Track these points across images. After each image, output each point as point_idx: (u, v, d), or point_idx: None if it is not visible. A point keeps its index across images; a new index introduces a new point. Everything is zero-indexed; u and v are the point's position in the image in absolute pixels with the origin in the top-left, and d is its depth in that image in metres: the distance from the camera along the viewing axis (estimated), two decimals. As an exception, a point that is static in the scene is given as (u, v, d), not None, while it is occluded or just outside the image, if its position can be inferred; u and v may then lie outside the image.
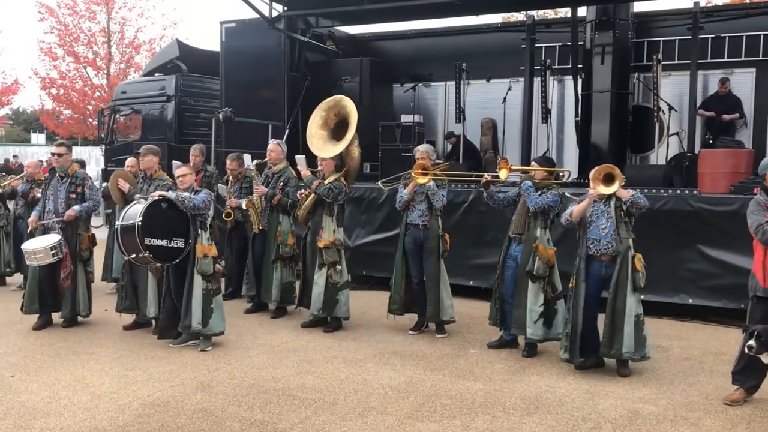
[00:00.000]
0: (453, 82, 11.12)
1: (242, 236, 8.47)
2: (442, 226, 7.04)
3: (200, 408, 4.97)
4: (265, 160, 8.03)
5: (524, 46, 10.51)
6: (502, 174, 6.39)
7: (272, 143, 8.06)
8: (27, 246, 6.99)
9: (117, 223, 6.50)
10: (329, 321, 7.25)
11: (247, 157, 8.55)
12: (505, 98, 10.75)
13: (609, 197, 5.77)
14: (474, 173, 7.39)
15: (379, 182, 8.04)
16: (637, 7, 10.36)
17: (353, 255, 8.79)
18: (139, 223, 6.18)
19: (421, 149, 7.11)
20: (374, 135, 10.39)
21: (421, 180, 6.79)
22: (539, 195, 6.28)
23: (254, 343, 6.75)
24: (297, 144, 10.64)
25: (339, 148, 7.28)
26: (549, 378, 5.74)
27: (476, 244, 8.59)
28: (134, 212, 6.34)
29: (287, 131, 10.71)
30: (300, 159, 7.50)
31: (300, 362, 6.10)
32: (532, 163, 6.67)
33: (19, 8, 61.78)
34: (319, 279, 7.12)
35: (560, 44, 11.05)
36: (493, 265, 6.93)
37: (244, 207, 7.92)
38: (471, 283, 8.63)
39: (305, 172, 7.32)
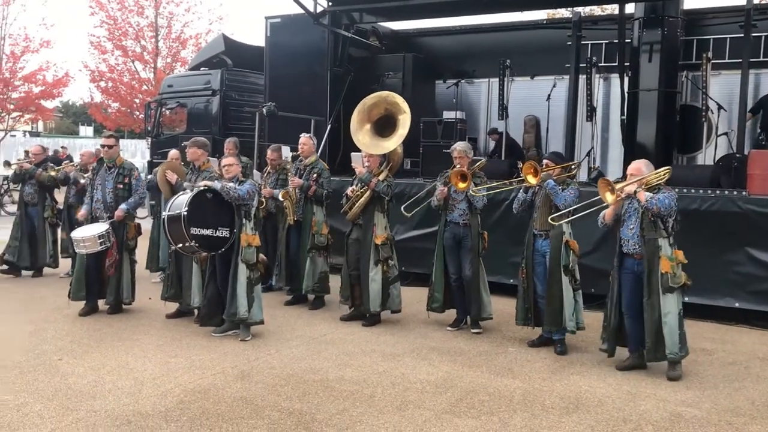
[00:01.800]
0: (496, 79, 11.06)
1: (274, 227, 8.55)
2: (481, 223, 7.01)
3: (240, 396, 5.04)
4: (298, 153, 8.12)
5: (570, 43, 10.39)
6: (532, 180, 6.35)
7: (304, 137, 8.16)
8: (76, 234, 7.18)
9: (164, 213, 6.62)
10: (367, 315, 7.27)
11: (285, 149, 8.63)
12: (549, 95, 10.65)
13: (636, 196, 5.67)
14: (514, 180, 7.33)
15: (402, 208, 7.88)
16: (687, 4, 10.15)
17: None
18: (185, 213, 6.30)
19: (458, 148, 7.05)
20: (415, 131, 10.35)
21: (461, 186, 6.78)
22: (563, 191, 6.29)
23: (293, 334, 6.82)
24: (339, 139, 10.71)
25: (392, 144, 7.30)
26: (589, 378, 5.68)
27: (517, 242, 8.49)
28: (180, 202, 6.46)
29: (329, 126, 10.78)
30: (356, 156, 7.53)
31: (338, 354, 6.14)
32: (546, 161, 6.60)
33: (71, 3, 63.26)
34: (376, 276, 7.14)
35: (606, 41, 10.88)
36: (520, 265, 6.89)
37: (280, 198, 8.01)
38: (511, 281, 8.54)
39: (361, 169, 7.32)
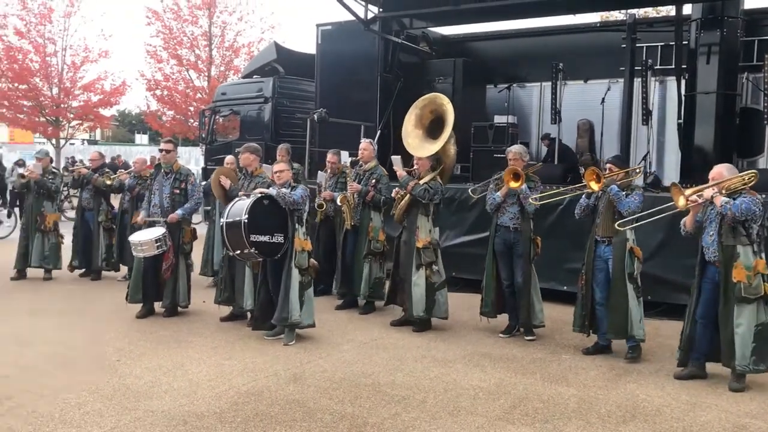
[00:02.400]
0: (549, 83, 10.93)
1: (330, 232, 8.59)
2: (534, 229, 6.92)
3: (293, 399, 5.07)
4: (357, 158, 8.17)
5: (624, 45, 10.20)
6: (595, 186, 6.23)
7: (364, 142, 8.22)
8: (134, 238, 7.36)
9: (222, 220, 6.67)
10: (418, 321, 7.24)
11: (344, 154, 8.69)
12: (603, 99, 10.48)
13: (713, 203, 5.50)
14: (574, 186, 7.20)
15: (469, 190, 7.98)
16: (748, 4, 9.86)
17: (443, 256, 8.77)
18: (245, 220, 6.35)
19: (513, 150, 7.00)
20: (466, 136, 10.33)
21: (513, 185, 6.70)
22: (627, 197, 6.15)
23: (344, 338, 6.84)
24: (389, 144, 10.72)
25: (436, 147, 7.26)
26: (646, 387, 5.53)
27: (571, 248, 8.37)
28: (239, 209, 6.51)
29: (379, 132, 10.81)
30: (396, 159, 7.54)
31: (389, 359, 6.13)
32: (608, 165, 6.47)
33: (128, 13, 65.12)
34: (419, 280, 7.10)
35: (662, 44, 10.65)
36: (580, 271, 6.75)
37: (338, 203, 8.04)
38: (565, 288, 8.41)
39: (401, 172, 7.33)
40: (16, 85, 27.12)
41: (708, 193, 5.47)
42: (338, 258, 8.29)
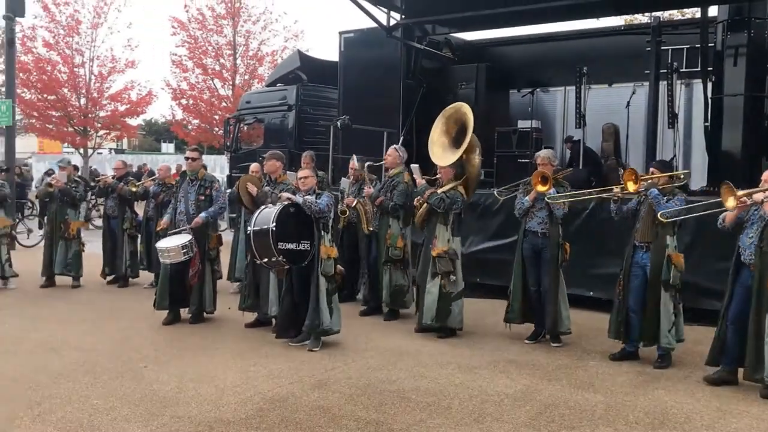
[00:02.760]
0: (573, 87, 10.84)
1: (353, 238, 8.60)
2: (562, 234, 6.87)
3: (318, 405, 5.08)
4: (381, 163, 8.19)
5: (649, 48, 10.09)
6: (631, 186, 6.15)
7: (391, 148, 8.26)
8: (161, 244, 7.43)
9: (249, 228, 6.69)
10: (443, 327, 7.22)
11: (354, 158, 8.74)
12: (628, 103, 10.38)
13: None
14: (603, 189, 7.12)
15: (495, 191, 7.96)
16: (776, 4, 9.70)
17: (467, 262, 8.73)
18: (273, 228, 6.37)
19: (542, 155, 6.97)
20: (490, 141, 10.29)
21: (541, 188, 6.66)
22: (667, 202, 6.04)
23: (369, 345, 6.84)
24: (411, 151, 10.72)
25: (455, 156, 7.24)
26: (675, 393, 5.46)
27: (597, 253, 8.29)
28: (266, 217, 6.52)
29: (402, 138, 10.81)
30: (414, 168, 7.56)
31: (414, 366, 6.11)
32: (651, 169, 6.40)
33: (154, 23, 66.01)
34: (432, 288, 7.08)
35: (688, 46, 10.51)
36: (616, 276, 6.67)
37: (353, 205, 8.08)
38: (591, 293, 8.33)
39: (420, 180, 7.35)
40: (45, 95, 27.59)
41: (759, 197, 5.36)
42: (362, 264, 8.30)
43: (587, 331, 7.29)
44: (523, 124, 10.54)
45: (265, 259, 6.55)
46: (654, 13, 10.87)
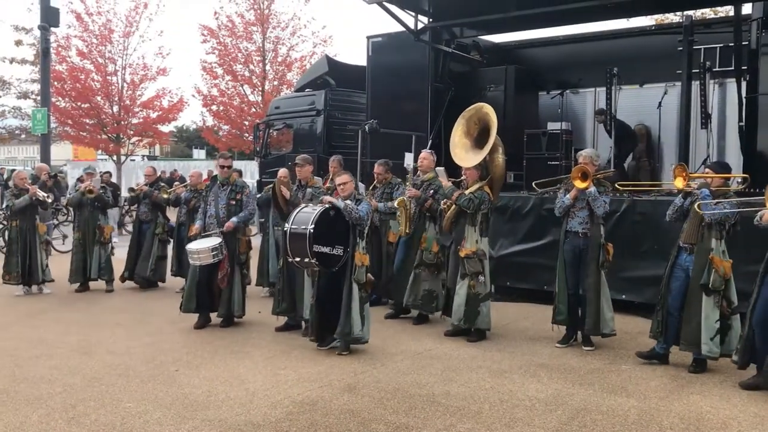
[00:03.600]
0: (603, 88, 10.72)
1: (378, 242, 8.58)
2: (604, 234, 6.77)
3: (347, 409, 5.07)
4: (416, 165, 8.20)
5: (681, 48, 9.94)
6: (678, 183, 6.03)
7: (424, 152, 8.28)
8: (191, 246, 7.52)
9: (286, 225, 6.70)
10: (473, 331, 7.18)
11: (408, 156, 8.70)
12: (660, 103, 10.25)
13: None
14: (650, 183, 6.98)
15: (533, 183, 7.88)
16: (813, 1, 9.48)
17: (497, 265, 8.68)
18: (311, 230, 6.38)
19: (584, 153, 6.89)
20: (519, 143, 10.22)
21: (579, 184, 6.58)
22: (716, 205, 5.89)
23: (398, 348, 6.82)
24: (440, 154, 10.68)
25: (480, 156, 7.22)
26: (711, 398, 5.35)
27: (630, 255, 8.17)
28: (305, 218, 6.50)
29: (430, 141, 10.79)
30: (440, 170, 7.56)
31: (444, 370, 6.08)
32: (706, 169, 6.27)
33: (185, 31, 66.91)
34: (461, 289, 7.06)
35: (721, 45, 10.34)
36: (649, 279, 6.59)
37: (396, 206, 8.04)
38: (624, 297, 8.20)
39: (446, 183, 7.33)
40: (78, 103, 28.07)
41: None
42: (385, 267, 8.28)
43: (620, 334, 7.18)
44: (552, 126, 10.44)
45: (298, 259, 6.56)
46: (686, 12, 10.72)
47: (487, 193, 7.15)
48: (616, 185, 6.53)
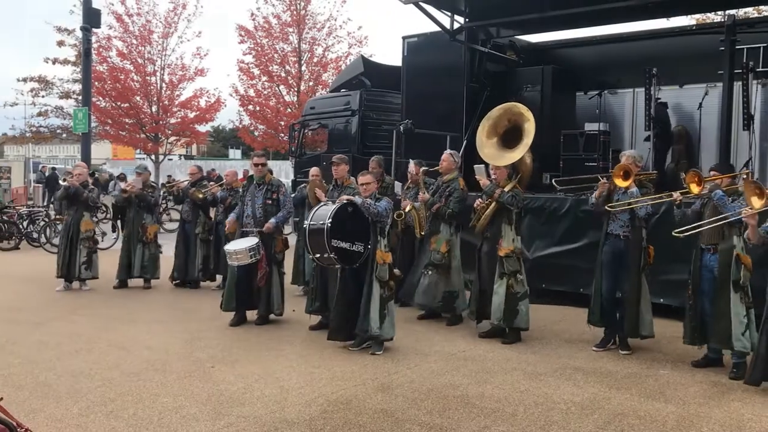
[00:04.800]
0: (642, 89, 10.56)
1: (412, 241, 8.57)
2: (646, 237, 6.67)
3: (381, 408, 5.08)
4: (436, 168, 8.17)
5: (723, 48, 9.75)
6: (695, 189, 5.98)
7: (445, 153, 8.20)
8: (229, 247, 7.60)
9: (306, 222, 6.82)
10: (507, 332, 7.13)
11: (410, 164, 8.68)
12: (700, 104, 10.05)
13: None
14: (664, 193, 6.91)
15: (553, 180, 7.82)
16: None
17: (532, 267, 8.60)
18: (329, 225, 6.47)
19: (627, 153, 6.84)
20: (556, 144, 10.12)
21: (620, 182, 6.49)
22: (732, 203, 5.89)
23: (431, 349, 6.80)
24: (474, 154, 10.64)
25: (517, 155, 7.18)
26: (753, 405, 5.23)
27: (668, 258, 8.01)
28: (323, 214, 6.64)
29: (465, 142, 10.74)
30: (479, 168, 7.48)
31: (478, 371, 6.05)
32: (711, 172, 6.22)
33: (222, 33, 67.69)
34: (499, 289, 7.02)
35: (765, 45, 10.11)
36: (687, 282, 6.45)
37: (407, 210, 8.05)
38: (661, 300, 8.06)
39: (485, 181, 7.28)
40: (118, 103, 28.61)
41: None
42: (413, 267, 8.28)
43: (657, 338, 7.06)
44: (590, 127, 10.32)
45: (318, 255, 6.63)
46: (728, 12, 10.51)
47: (521, 191, 7.12)
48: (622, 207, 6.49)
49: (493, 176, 7.30)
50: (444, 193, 7.92)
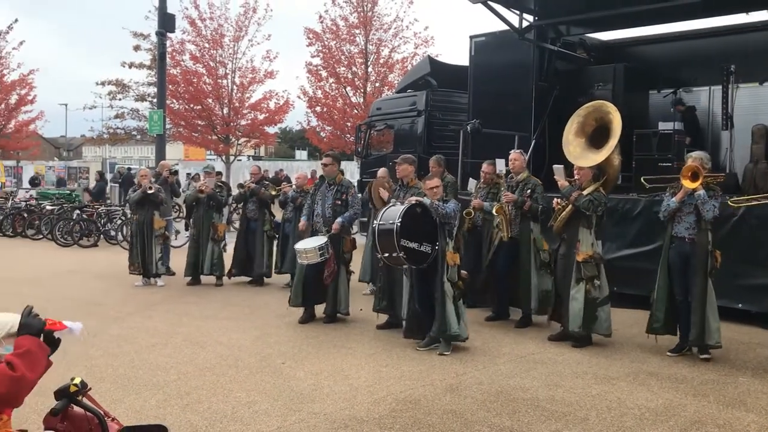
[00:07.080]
0: (719, 86, 10.21)
1: (478, 242, 8.48)
2: (713, 240, 6.46)
3: (450, 409, 5.07)
4: (508, 168, 8.08)
5: (808, 42, 9.35)
6: (689, 184, 5.80)
7: (514, 152, 8.11)
8: (299, 246, 7.73)
9: (375, 222, 6.87)
10: (575, 335, 7.00)
11: (500, 162, 8.59)
12: (782, 101, 9.65)
13: None
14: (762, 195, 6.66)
15: (642, 178, 7.63)
16: None
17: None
18: (398, 224, 6.51)
19: (695, 155, 6.58)
20: (628, 144, 9.87)
21: (688, 184, 6.29)
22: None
23: (500, 351, 6.75)
24: (544, 154, 10.50)
25: (600, 156, 7.00)
26: (840, 417, 4.99)
27: (747, 261, 7.74)
28: (392, 214, 6.68)
29: (534, 141, 10.61)
30: (558, 169, 7.32)
31: (548, 374, 5.97)
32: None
33: (291, 35, 68.77)
34: (577, 294, 6.87)
35: None
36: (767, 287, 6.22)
37: (494, 213, 7.94)
38: (740, 305, 7.79)
39: (563, 182, 7.12)
40: (191, 105, 29.45)
41: None
42: (484, 270, 8.15)
43: (736, 345, 6.84)
44: (664, 126, 10.03)
45: (386, 254, 6.67)
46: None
47: (603, 194, 6.95)
48: (730, 202, 6.31)
49: (576, 177, 7.14)
50: (524, 192, 7.81)
